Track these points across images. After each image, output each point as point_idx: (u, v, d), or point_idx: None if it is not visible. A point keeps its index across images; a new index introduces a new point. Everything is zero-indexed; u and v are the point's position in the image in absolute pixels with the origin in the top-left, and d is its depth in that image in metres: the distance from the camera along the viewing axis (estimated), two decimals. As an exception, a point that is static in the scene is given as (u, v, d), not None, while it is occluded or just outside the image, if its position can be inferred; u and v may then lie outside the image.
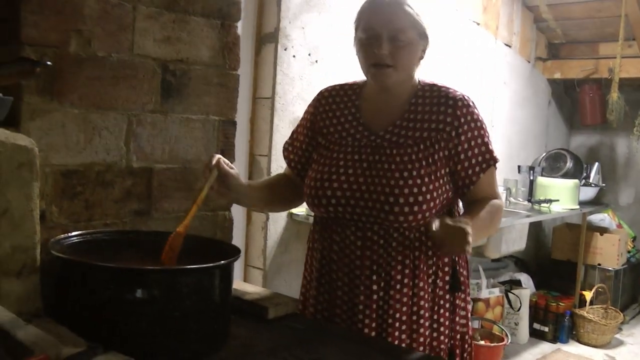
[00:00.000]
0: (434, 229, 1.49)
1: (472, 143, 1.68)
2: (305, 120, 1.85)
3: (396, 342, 1.64)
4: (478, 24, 4.67)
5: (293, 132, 1.90)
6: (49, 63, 1.35)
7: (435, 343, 1.70)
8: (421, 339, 1.67)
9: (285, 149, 1.90)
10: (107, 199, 1.69)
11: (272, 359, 1.34)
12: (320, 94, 1.86)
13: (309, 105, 1.86)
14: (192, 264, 1.34)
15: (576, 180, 5.03)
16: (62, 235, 1.47)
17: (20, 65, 1.29)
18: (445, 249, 1.56)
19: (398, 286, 1.65)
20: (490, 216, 1.69)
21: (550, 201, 4.75)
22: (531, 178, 5.04)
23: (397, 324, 1.65)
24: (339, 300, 1.71)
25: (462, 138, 1.66)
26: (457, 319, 1.75)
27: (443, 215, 1.59)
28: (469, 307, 1.81)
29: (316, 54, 3.31)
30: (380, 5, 1.64)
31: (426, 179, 1.61)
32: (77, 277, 1.29)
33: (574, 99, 5.99)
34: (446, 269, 1.72)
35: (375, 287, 1.66)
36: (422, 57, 1.71)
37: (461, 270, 1.76)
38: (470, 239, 1.46)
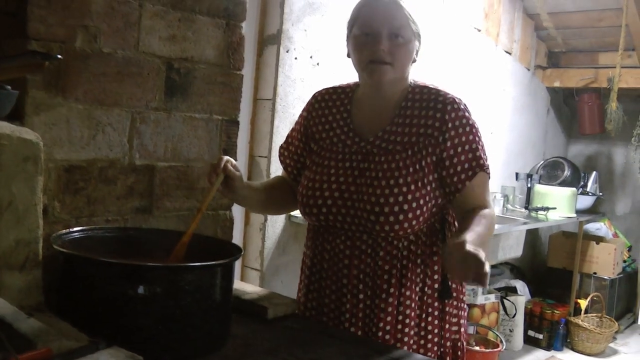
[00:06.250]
0: (447, 253, 1.41)
1: (459, 149, 1.62)
2: (299, 124, 1.83)
3: None
4: (479, 30, 4.69)
5: (288, 136, 1.88)
6: (59, 56, 1.35)
7: (422, 350, 1.68)
8: (405, 347, 1.64)
9: (281, 154, 1.89)
10: (109, 196, 1.69)
11: (273, 359, 1.34)
12: (314, 97, 1.83)
13: (303, 109, 1.84)
14: (193, 262, 1.34)
15: (573, 189, 5.05)
16: (64, 231, 1.48)
17: (30, 58, 1.29)
18: (459, 275, 1.40)
19: (384, 295, 1.64)
20: (487, 231, 1.60)
21: (547, 209, 4.76)
22: (529, 185, 5.04)
23: (380, 333, 1.64)
24: (326, 307, 1.71)
25: (449, 143, 1.61)
26: (447, 326, 1.72)
27: (456, 236, 1.45)
28: (463, 313, 1.78)
29: (318, 56, 3.32)
30: (378, 2, 1.62)
31: (413, 187, 1.59)
32: (79, 273, 1.29)
33: (572, 107, 6.01)
34: (435, 276, 1.69)
35: (361, 295, 1.66)
36: (415, 60, 1.68)
37: None
38: (487, 268, 1.33)
